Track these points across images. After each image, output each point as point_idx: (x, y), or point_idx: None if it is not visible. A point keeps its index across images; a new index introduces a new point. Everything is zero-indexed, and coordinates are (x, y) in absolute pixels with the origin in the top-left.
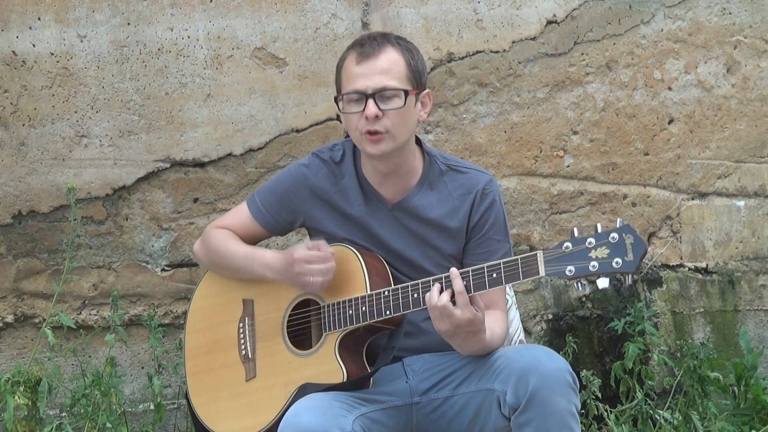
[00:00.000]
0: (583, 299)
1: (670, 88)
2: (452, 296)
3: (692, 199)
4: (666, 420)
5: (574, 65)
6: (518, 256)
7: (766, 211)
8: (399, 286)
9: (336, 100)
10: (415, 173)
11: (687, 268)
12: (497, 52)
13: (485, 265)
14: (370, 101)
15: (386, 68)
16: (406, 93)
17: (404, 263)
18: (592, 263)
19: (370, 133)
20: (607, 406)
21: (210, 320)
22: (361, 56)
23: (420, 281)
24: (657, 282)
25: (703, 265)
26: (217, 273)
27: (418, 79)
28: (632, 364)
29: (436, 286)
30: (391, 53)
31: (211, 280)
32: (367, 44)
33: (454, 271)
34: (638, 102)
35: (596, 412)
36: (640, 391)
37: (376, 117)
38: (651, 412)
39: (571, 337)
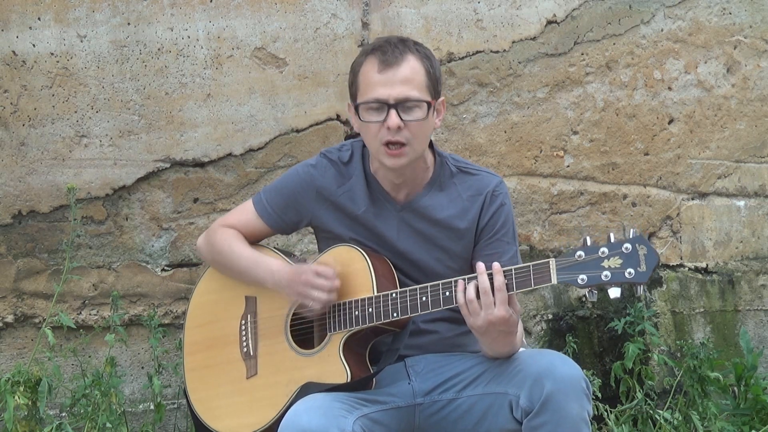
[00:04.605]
0: (583, 299)
1: (670, 88)
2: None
3: (692, 199)
4: (666, 420)
5: (574, 65)
6: (530, 263)
7: (766, 211)
8: (407, 288)
9: (355, 106)
10: (425, 175)
11: (687, 268)
12: (497, 52)
13: None
14: (393, 111)
15: (408, 77)
16: (429, 105)
17: (411, 264)
18: (605, 273)
19: (391, 144)
20: (607, 406)
21: (211, 316)
22: (383, 64)
23: (429, 285)
24: (657, 282)
25: (703, 265)
26: (219, 271)
27: (436, 88)
28: (632, 364)
29: (472, 283)
30: (413, 61)
31: (212, 276)
32: (389, 51)
33: (496, 266)
34: (638, 102)
35: (596, 412)
36: (640, 391)
37: (398, 128)
38: (651, 412)
39: (571, 337)
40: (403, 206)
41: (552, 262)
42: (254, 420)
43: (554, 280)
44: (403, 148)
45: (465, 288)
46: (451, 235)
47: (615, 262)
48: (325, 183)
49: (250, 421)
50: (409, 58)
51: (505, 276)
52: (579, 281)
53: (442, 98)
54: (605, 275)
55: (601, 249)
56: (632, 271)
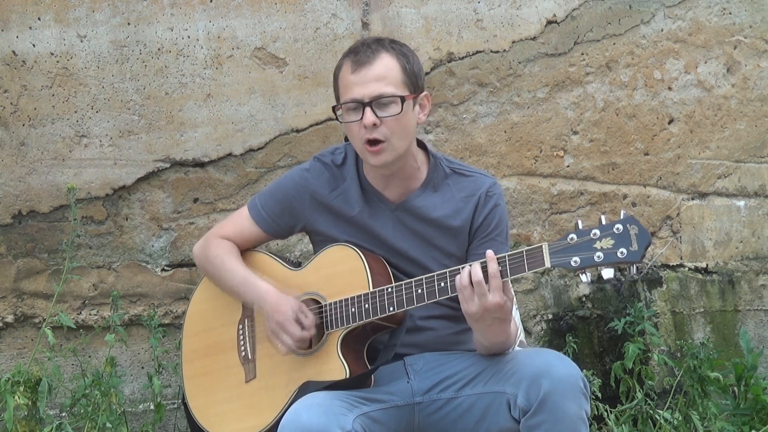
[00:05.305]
0: (583, 299)
1: (670, 88)
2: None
3: (692, 199)
4: (666, 420)
5: (574, 65)
6: (523, 248)
7: (766, 211)
8: (402, 282)
9: (334, 109)
10: (419, 175)
11: (687, 268)
12: (497, 52)
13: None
14: (368, 109)
15: (381, 75)
16: (403, 99)
17: (408, 262)
18: (597, 254)
19: (370, 142)
20: (607, 406)
21: (208, 323)
22: (356, 64)
23: (423, 277)
24: (657, 282)
25: (703, 265)
26: (211, 282)
27: (414, 83)
28: (632, 364)
29: (467, 268)
30: (386, 59)
31: (209, 284)
32: (361, 51)
33: (489, 253)
34: (638, 102)
35: (596, 412)
36: (640, 391)
37: (374, 125)
38: (651, 412)
39: (571, 337)
40: (397, 206)
41: (545, 245)
42: (254, 423)
43: (548, 264)
44: (382, 144)
45: (460, 273)
46: (446, 234)
47: (607, 242)
48: (318, 187)
49: (250, 424)
50: (382, 56)
51: (498, 262)
52: (572, 263)
53: (425, 93)
54: (598, 256)
55: (593, 231)
56: (624, 250)
